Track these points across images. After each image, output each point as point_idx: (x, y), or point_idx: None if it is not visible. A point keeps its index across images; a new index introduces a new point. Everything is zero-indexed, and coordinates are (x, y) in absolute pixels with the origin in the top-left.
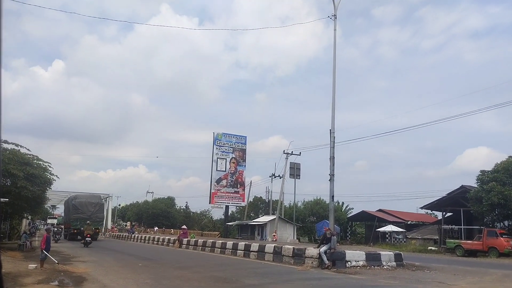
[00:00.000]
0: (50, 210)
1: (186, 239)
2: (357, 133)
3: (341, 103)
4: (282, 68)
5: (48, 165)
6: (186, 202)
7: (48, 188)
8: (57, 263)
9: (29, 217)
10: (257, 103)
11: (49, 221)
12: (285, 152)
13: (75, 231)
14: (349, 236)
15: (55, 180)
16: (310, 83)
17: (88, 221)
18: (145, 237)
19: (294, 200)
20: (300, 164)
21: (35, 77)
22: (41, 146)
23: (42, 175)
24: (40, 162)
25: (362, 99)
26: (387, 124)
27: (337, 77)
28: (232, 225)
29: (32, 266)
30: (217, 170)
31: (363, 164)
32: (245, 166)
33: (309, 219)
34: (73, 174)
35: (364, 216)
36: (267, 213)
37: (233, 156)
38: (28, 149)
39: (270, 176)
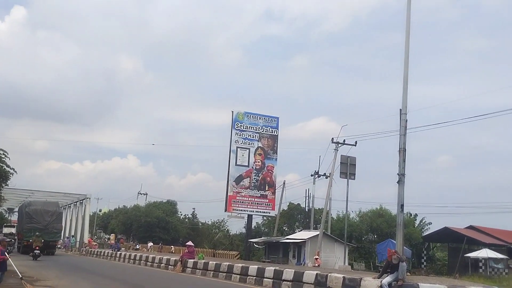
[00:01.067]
0: (6, 215)
1: (192, 260)
2: (438, 116)
3: (416, 72)
4: (333, 21)
5: (3, 154)
6: (193, 208)
7: (3, 185)
8: (21, 277)
9: None
10: (295, 70)
11: (5, 230)
12: (334, 141)
13: (28, 243)
14: (425, 262)
15: (12, 174)
16: (372, 42)
17: (37, 232)
18: (135, 256)
19: (346, 210)
20: (355, 158)
21: None
22: None
23: None
24: None
25: (447, 66)
26: (482, 102)
27: (411, 34)
28: (256, 242)
29: None
30: (236, 164)
31: (447, 160)
32: (276, 159)
33: (367, 237)
34: (37, 166)
35: (447, 235)
36: (306, 227)
37: (260, 145)
38: None
39: (312, 175)
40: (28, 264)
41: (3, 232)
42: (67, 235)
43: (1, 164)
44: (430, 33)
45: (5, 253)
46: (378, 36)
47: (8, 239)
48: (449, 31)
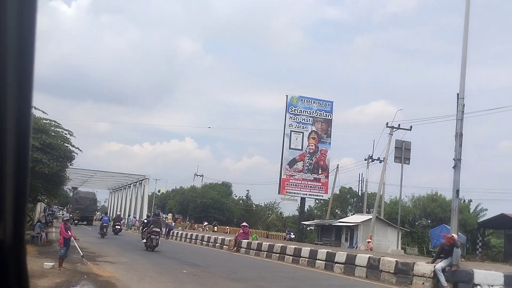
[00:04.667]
0: (70, 194)
1: (246, 240)
2: (500, 100)
3: (479, 54)
4: (398, 0)
5: (68, 134)
6: (247, 191)
7: (69, 164)
8: (82, 255)
9: (45, 201)
10: (356, 52)
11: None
12: (389, 125)
13: (77, 218)
14: (480, 249)
15: (77, 154)
16: (438, 23)
17: (77, 211)
18: (191, 235)
19: (400, 194)
20: (410, 143)
21: (55, 15)
22: (59, 109)
23: (62, 147)
24: (59, 130)
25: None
26: None
27: (473, 15)
28: (309, 225)
29: (48, 264)
30: (290, 148)
31: (509, 146)
32: (330, 143)
33: (421, 222)
34: (99, 147)
35: (504, 222)
36: (359, 211)
37: (314, 129)
38: (44, 112)
39: (365, 159)
40: (91, 241)
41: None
42: (128, 214)
43: (66, 144)
44: (498, 13)
45: (69, 230)
46: (445, 16)
47: (70, 214)
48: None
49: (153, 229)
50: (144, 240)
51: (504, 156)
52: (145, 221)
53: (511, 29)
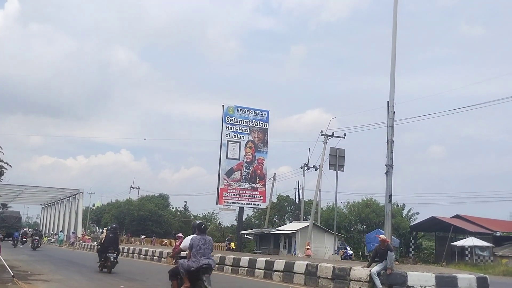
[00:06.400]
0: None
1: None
2: (429, 107)
3: (408, 63)
4: (332, 10)
5: None
6: (185, 202)
7: None
8: (13, 275)
9: None
10: (291, 61)
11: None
12: (323, 133)
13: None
14: (413, 251)
15: (6, 169)
16: (370, 33)
17: (2, 228)
18: (128, 249)
19: (336, 201)
20: (344, 150)
21: None
22: None
23: None
24: None
25: (439, 56)
26: (474, 93)
27: (403, 25)
28: (248, 234)
29: None
30: (227, 158)
31: (438, 151)
32: (266, 152)
33: (356, 228)
34: (31, 161)
35: (434, 225)
36: (296, 219)
37: (250, 138)
38: None
39: (301, 167)
40: (23, 259)
41: None
42: (60, 229)
43: None
44: (425, 23)
45: None
46: (377, 27)
47: None
48: (443, 19)
49: (34, 237)
50: (30, 244)
51: (433, 161)
52: (31, 233)
53: (436, 38)
